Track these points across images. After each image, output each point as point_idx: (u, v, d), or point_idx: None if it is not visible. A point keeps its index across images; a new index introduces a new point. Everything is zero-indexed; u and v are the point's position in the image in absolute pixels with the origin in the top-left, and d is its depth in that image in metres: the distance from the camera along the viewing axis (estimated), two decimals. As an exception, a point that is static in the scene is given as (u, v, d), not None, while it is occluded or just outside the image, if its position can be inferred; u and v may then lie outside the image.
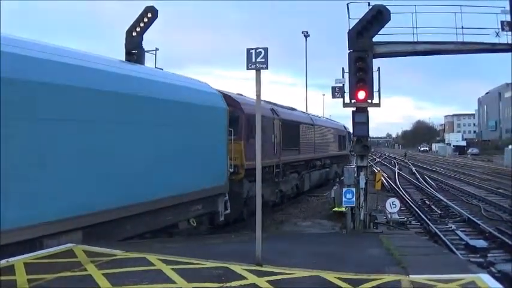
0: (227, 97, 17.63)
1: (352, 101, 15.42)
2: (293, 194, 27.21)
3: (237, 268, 8.38)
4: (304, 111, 39.07)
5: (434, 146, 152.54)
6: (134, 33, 16.44)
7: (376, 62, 15.48)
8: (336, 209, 20.56)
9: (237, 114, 18.60)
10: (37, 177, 9.07)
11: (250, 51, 9.04)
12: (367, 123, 15.55)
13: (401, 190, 33.31)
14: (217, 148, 15.55)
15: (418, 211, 23.09)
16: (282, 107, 26.55)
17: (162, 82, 13.51)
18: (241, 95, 21.88)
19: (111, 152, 10.84)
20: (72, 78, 9.97)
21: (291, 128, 25.47)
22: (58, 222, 9.42)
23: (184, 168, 13.43)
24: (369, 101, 15.34)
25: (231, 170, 17.03)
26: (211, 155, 15.15)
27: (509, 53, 15.29)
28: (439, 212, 23.52)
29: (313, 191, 31.43)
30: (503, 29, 15.01)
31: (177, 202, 13.13)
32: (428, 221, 20.28)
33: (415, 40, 15.52)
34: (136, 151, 11.67)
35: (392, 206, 16.89)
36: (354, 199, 15.11)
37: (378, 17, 15.05)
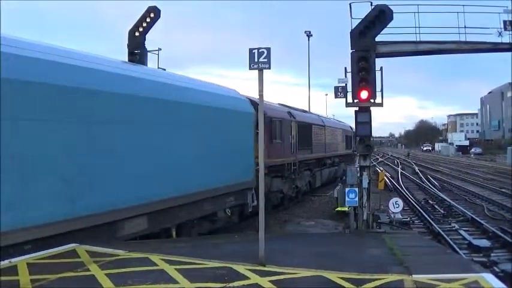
0: (252, 102, 18.88)
1: (355, 101, 15.41)
2: (307, 189, 29.11)
3: (240, 268, 8.39)
4: (315, 112, 40.84)
5: (437, 146, 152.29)
6: (137, 33, 16.44)
7: (379, 62, 15.49)
8: (339, 208, 20.53)
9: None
10: (118, 172, 10.99)
11: (253, 51, 9.05)
12: (369, 122, 15.54)
13: (404, 190, 33.29)
14: (247, 148, 17.43)
15: (421, 211, 23.06)
16: (296, 109, 28.96)
17: (203, 91, 15.55)
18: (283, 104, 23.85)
19: (169, 151, 12.83)
20: (149, 91, 12.37)
21: (305, 129, 27.52)
22: (132, 208, 11.31)
23: (221, 165, 15.44)
24: (372, 100, 15.33)
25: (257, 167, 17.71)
26: (242, 153, 17.19)
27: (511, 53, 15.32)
28: (442, 211, 23.51)
29: (316, 190, 31.48)
30: (505, 29, 14.99)
31: (216, 194, 15.27)
32: (431, 221, 20.26)
33: (418, 40, 15.51)
34: (186, 150, 13.69)
35: (396, 205, 16.85)
36: (356, 199, 15.10)
37: (381, 16, 15.05)
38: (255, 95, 14.53)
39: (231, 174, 16.08)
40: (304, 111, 32.89)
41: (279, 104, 27.23)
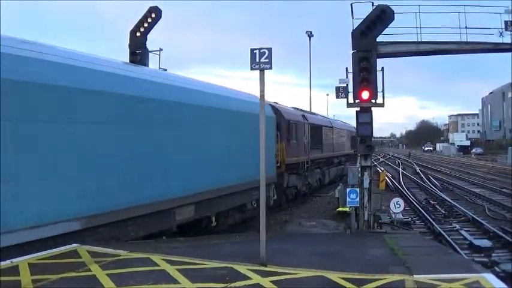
0: (273, 107, 21.94)
1: (356, 101, 15.41)
2: (317, 185, 31.49)
3: (242, 268, 8.40)
4: (321, 114, 44.04)
5: (439, 146, 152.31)
6: (138, 34, 16.45)
7: (380, 62, 15.48)
8: (340, 209, 20.51)
9: (279, 121, 22.24)
10: (174, 168, 13.16)
11: (254, 51, 9.06)
12: (371, 123, 15.54)
13: (405, 190, 33.28)
14: (269, 148, 19.12)
15: (422, 211, 23.05)
16: (309, 113, 32.83)
17: (236, 99, 18.18)
18: (277, 103, 25.47)
19: (212, 150, 15.26)
20: (205, 100, 15.28)
21: (316, 131, 30.17)
22: (184, 197, 13.59)
23: (249, 163, 16.30)
24: (373, 101, 15.32)
25: (278, 165, 21.34)
26: (266, 153, 17.31)
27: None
28: (443, 211, 23.51)
29: (318, 191, 31.54)
30: (506, 29, 14.98)
31: (246, 188, 17.48)
32: (432, 221, 20.26)
33: (419, 40, 15.50)
34: (225, 150, 16.14)
35: (397, 206, 16.83)
36: (357, 199, 15.10)
37: (382, 17, 15.04)
38: (267, 98, 17.29)
39: (257, 171, 15.99)
40: (315, 114, 35.91)
41: (292, 107, 29.62)
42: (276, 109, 22.74)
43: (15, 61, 8.83)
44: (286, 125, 23.41)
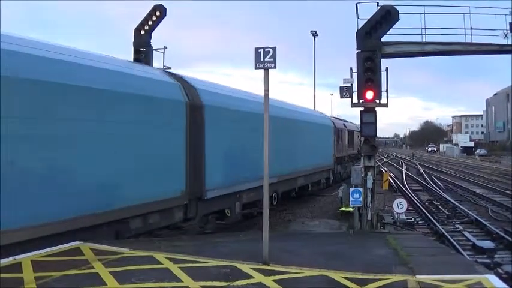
0: (331, 120, 36.02)
1: (360, 101, 15.41)
2: (345, 175, 37.65)
3: (244, 267, 8.41)
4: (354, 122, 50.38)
5: (442, 147, 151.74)
6: (143, 32, 16.43)
7: (384, 62, 15.47)
8: (343, 208, 20.52)
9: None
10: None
11: (259, 50, 9.05)
12: (375, 123, 15.53)
13: (408, 190, 33.24)
14: (329, 146, 32.90)
15: (426, 211, 23.03)
16: (345, 121, 43.90)
17: (309, 114, 30.58)
18: (332, 116, 41.75)
19: (307, 146, 25.62)
20: (301, 116, 26.15)
21: (350, 134, 41.15)
22: (302, 171, 24.96)
23: (320, 155, 29.37)
24: (377, 101, 15.32)
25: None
26: (327, 149, 32.24)
27: None
28: (447, 212, 23.48)
29: (321, 190, 31.55)
30: (511, 30, 14.95)
31: (320, 170, 29.74)
32: (435, 222, 20.23)
33: (424, 41, 15.48)
34: (311, 146, 26.53)
35: (400, 206, 16.84)
36: (361, 199, 15.10)
37: (387, 17, 15.03)
38: (326, 113, 32.47)
39: (323, 160, 30.30)
40: (348, 122, 45.49)
41: (334, 117, 42.73)
42: (331, 121, 35.54)
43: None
44: (336, 131, 35.04)
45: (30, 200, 8.85)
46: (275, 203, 20.65)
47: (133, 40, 16.51)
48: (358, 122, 16.25)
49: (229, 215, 16.69)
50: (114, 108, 11.10)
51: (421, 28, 15.23)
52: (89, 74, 10.68)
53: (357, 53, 15.44)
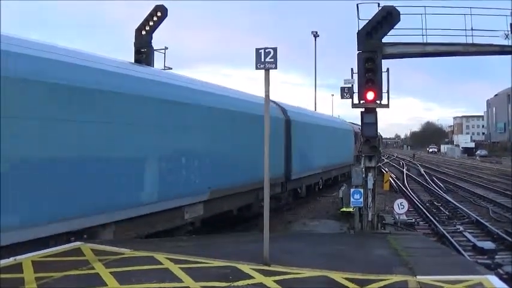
0: (352, 125, 43.21)
1: (361, 102, 15.42)
2: None
3: (245, 267, 8.41)
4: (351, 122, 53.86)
5: (443, 148, 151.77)
6: (143, 32, 16.44)
7: (385, 63, 15.47)
8: (343, 209, 20.54)
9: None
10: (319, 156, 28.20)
11: (259, 50, 9.05)
12: (375, 124, 15.53)
13: (409, 191, 33.23)
14: (350, 147, 40.09)
15: (426, 212, 23.02)
16: (353, 124, 47.00)
17: (332, 120, 39.75)
18: (352, 123, 46.35)
19: (331, 147, 31.92)
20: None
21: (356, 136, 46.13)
22: (326, 166, 31.06)
23: (341, 154, 35.43)
24: (378, 101, 15.32)
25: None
26: (348, 150, 39.11)
27: None
28: (447, 213, 23.47)
29: (322, 191, 31.59)
30: (512, 31, 14.95)
31: (341, 166, 35.58)
32: (436, 222, 20.23)
33: (425, 41, 15.47)
34: (334, 147, 32.72)
35: (401, 207, 16.82)
36: (361, 200, 15.10)
37: (388, 18, 15.03)
38: (346, 119, 41.43)
39: (345, 158, 36.66)
40: (353, 123, 50.51)
41: (351, 123, 46.79)
42: (351, 126, 43.19)
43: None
44: (355, 135, 40.88)
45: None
46: (321, 187, 30.42)
47: (134, 40, 16.52)
48: (359, 122, 16.26)
49: (300, 191, 25.52)
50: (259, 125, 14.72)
51: (422, 29, 15.24)
52: (252, 106, 18.53)
53: (357, 54, 15.45)
